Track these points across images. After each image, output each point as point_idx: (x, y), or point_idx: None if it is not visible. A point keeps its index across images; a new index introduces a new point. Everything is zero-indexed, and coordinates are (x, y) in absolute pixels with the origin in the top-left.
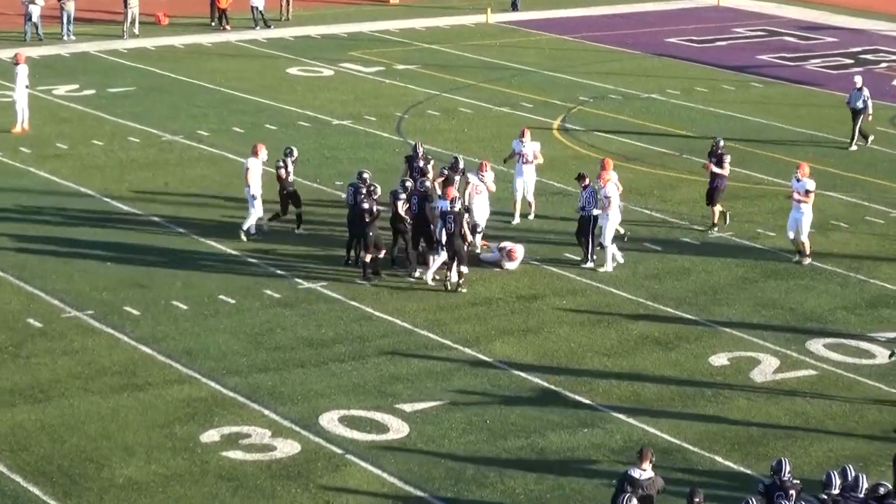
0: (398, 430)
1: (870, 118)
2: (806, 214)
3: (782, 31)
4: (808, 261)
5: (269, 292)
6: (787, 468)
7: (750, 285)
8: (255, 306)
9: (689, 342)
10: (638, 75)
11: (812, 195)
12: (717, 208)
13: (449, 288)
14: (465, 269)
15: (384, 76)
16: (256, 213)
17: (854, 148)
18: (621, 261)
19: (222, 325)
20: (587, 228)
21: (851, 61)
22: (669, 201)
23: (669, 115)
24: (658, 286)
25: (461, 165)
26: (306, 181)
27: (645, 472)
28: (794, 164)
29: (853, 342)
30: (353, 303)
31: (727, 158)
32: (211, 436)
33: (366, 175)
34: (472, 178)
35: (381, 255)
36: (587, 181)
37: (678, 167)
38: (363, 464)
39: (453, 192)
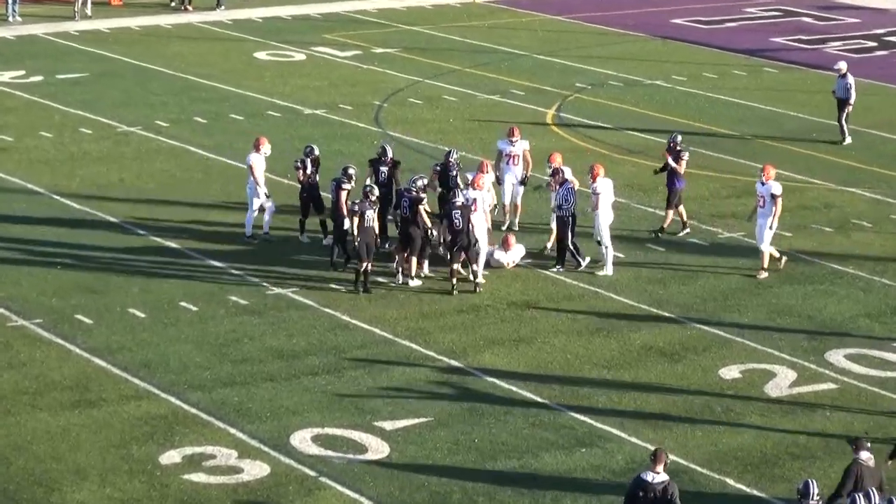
0: (377, 450)
1: (850, 108)
2: (775, 222)
3: (799, 10)
4: (764, 275)
5: (235, 299)
6: (815, 490)
7: (763, 290)
8: (220, 314)
9: (697, 353)
10: (640, 60)
11: (780, 201)
12: (681, 211)
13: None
14: (480, 272)
15: (361, 61)
16: (270, 210)
17: (849, 141)
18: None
19: (184, 334)
20: (565, 232)
21: (875, 44)
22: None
23: (675, 103)
24: (663, 291)
25: (453, 158)
26: (275, 176)
27: (658, 475)
28: (812, 156)
29: (877, 353)
30: (327, 310)
31: (685, 156)
32: (171, 457)
33: (352, 171)
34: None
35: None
36: (562, 175)
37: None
38: (339, 487)
39: (483, 179)
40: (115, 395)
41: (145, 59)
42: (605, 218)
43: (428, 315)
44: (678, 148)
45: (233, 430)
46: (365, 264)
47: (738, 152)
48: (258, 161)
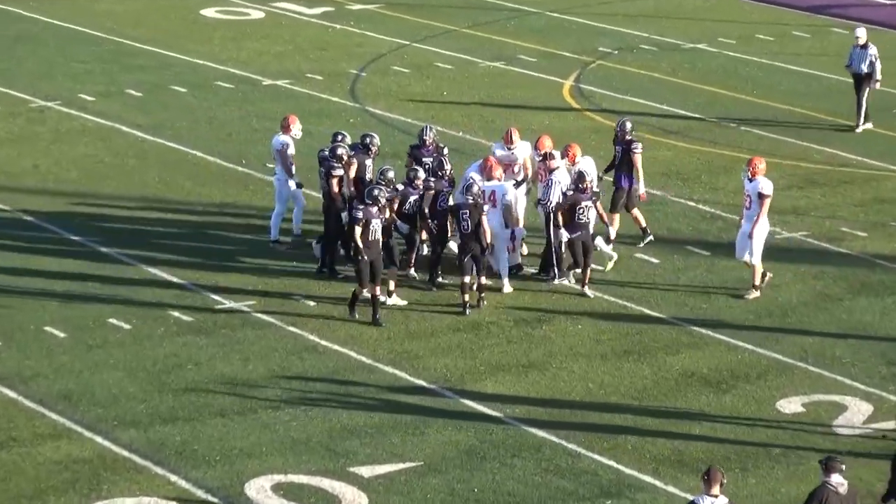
0: (353, 501)
1: (877, 85)
2: (759, 228)
3: None
4: (754, 294)
5: (176, 314)
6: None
7: (832, 304)
8: (158, 333)
9: (750, 381)
10: (679, 18)
11: (767, 201)
12: (636, 215)
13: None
14: (484, 280)
15: (333, 19)
16: (301, 205)
17: (868, 126)
18: (613, 255)
19: (113, 358)
20: (547, 232)
21: None
22: (722, 189)
23: (722, 71)
24: (707, 305)
25: (429, 136)
26: (228, 163)
27: (717, 499)
28: (891, 137)
29: None
30: (292, 328)
31: (637, 148)
32: None
33: (341, 151)
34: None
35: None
36: (555, 161)
37: (734, 143)
38: None
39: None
40: (28, 433)
41: (67, 18)
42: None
43: (416, 335)
44: (628, 137)
45: (174, 478)
46: (367, 288)
47: (800, 133)
48: (290, 145)
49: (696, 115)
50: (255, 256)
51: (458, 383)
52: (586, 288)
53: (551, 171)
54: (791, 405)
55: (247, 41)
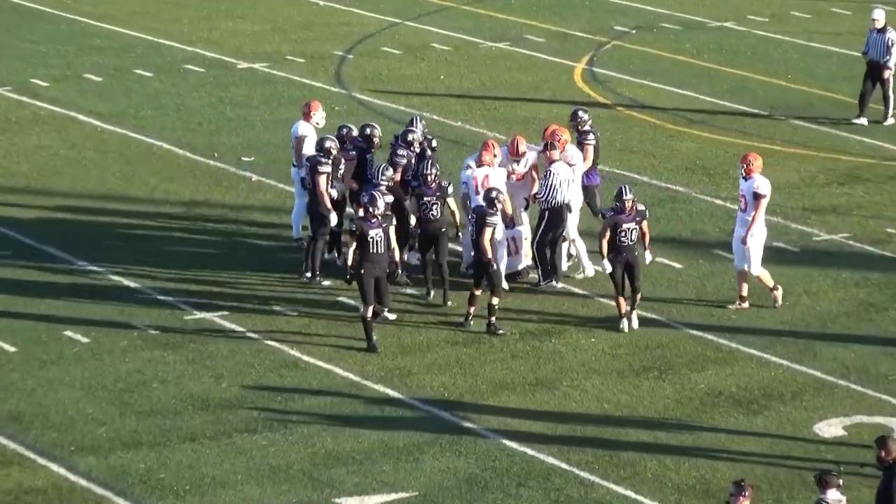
0: None
1: (888, 74)
2: (754, 233)
3: None
4: (745, 304)
5: (141, 326)
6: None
7: (877, 314)
8: (120, 348)
9: (784, 401)
10: None
11: (763, 202)
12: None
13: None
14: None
15: None
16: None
17: (891, 121)
18: (589, 270)
19: (69, 376)
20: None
21: None
22: None
23: (752, 53)
24: (736, 316)
25: (418, 130)
26: (198, 156)
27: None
28: None
29: None
30: (270, 342)
31: (590, 140)
32: None
33: (329, 144)
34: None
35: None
36: (555, 153)
37: (766, 134)
38: None
39: (492, 156)
40: None
41: None
42: (574, 202)
43: (410, 349)
44: (583, 128)
45: None
46: (371, 309)
47: (841, 124)
48: (310, 134)
49: (724, 102)
50: (228, 261)
51: (456, 403)
52: (634, 316)
53: (550, 163)
54: (831, 428)
55: (220, 20)
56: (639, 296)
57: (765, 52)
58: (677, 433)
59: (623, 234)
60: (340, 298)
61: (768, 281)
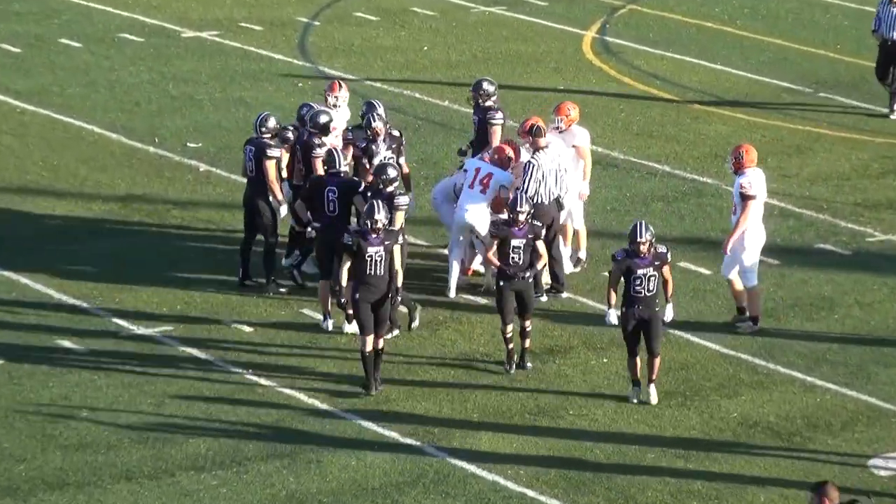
0: None
1: None
2: (748, 238)
3: None
4: (749, 325)
5: (67, 344)
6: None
7: None
8: (43, 370)
9: (833, 433)
10: None
11: (752, 205)
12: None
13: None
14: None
15: None
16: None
17: None
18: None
19: None
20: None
21: None
22: (795, 177)
23: (795, 19)
24: (775, 331)
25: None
26: (136, 141)
27: None
28: None
29: None
30: (221, 363)
31: (497, 119)
32: None
33: (273, 122)
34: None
35: (393, 333)
36: (543, 139)
37: (811, 115)
38: None
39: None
40: None
41: None
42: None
43: (387, 370)
44: (486, 103)
45: None
46: (371, 339)
47: None
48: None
49: (760, 77)
50: (172, 267)
51: (443, 436)
52: (652, 389)
53: (534, 151)
54: (889, 464)
55: None
56: (657, 360)
57: (810, 18)
58: (705, 470)
59: (638, 281)
60: (304, 311)
61: (753, 302)
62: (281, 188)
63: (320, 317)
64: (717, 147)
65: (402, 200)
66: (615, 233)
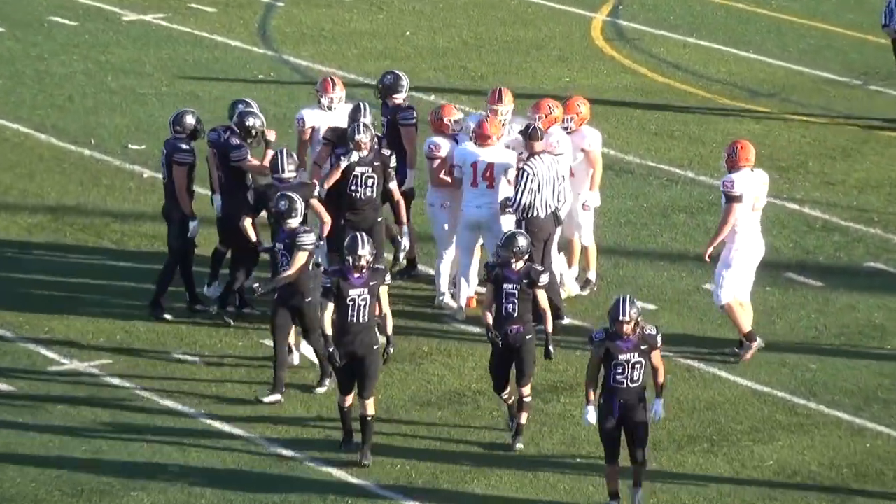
0: None
1: None
2: (736, 251)
3: None
4: (749, 354)
5: None
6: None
7: None
8: None
9: (885, 483)
10: None
11: (735, 208)
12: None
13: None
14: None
15: None
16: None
17: None
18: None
19: None
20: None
21: None
22: (841, 184)
23: (839, 1)
24: (817, 364)
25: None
26: (69, 143)
27: None
28: None
29: None
30: (168, 402)
31: (411, 118)
32: None
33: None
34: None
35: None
36: (538, 143)
37: (859, 110)
38: None
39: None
40: None
41: None
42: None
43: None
44: (396, 102)
45: None
46: (350, 399)
47: None
48: (320, 123)
49: (800, 68)
50: (111, 290)
51: (429, 488)
52: (638, 498)
53: (529, 155)
54: None
55: None
56: (644, 468)
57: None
58: None
59: (619, 369)
60: (265, 341)
61: (743, 324)
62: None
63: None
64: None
65: (306, 240)
66: (630, 250)
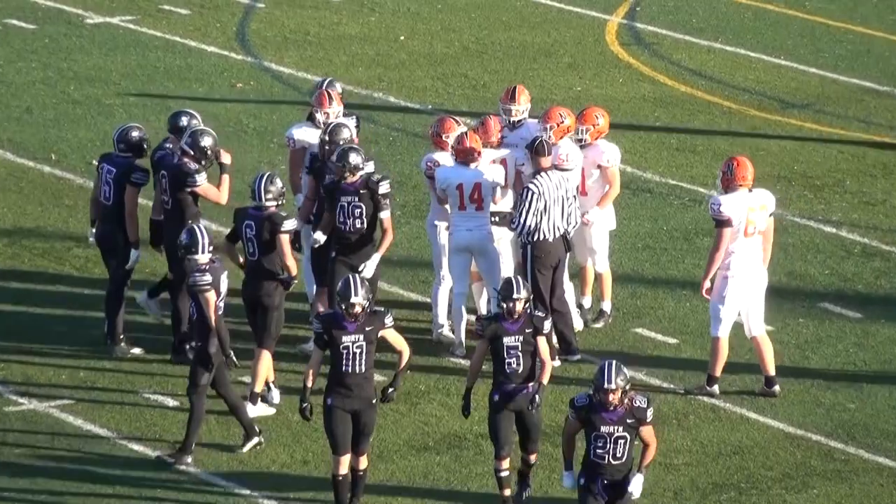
0: None
1: None
2: (731, 279)
3: None
4: (699, 394)
5: None
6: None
7: None
8: None
9: None
10: None
11: (726, 234)
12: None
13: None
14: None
15: None
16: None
17: None
18: (579, 326)
19: None
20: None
21: None
22: (882, 205)
23: (880, 2)
24: (855, 404)
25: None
26: (27, 159)
27: None
28: None
29: None
30: (138, 447)
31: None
32: None
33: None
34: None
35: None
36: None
37: None
38: None
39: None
40: None
41: None
42: (603, 227)
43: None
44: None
45: None
46: (347, 460)
47: None
48: (314, 141)
49: (837, 76)
50: (74, 321)
51: None
52: None
53: (536, 172)
54: None
55: None
56: None
57: None
58: None
59: (601, 443)
60: (244, 378)
61: (717, 364)
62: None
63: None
64: (781, 166)
65: (199, 280)
66: (648, 277)
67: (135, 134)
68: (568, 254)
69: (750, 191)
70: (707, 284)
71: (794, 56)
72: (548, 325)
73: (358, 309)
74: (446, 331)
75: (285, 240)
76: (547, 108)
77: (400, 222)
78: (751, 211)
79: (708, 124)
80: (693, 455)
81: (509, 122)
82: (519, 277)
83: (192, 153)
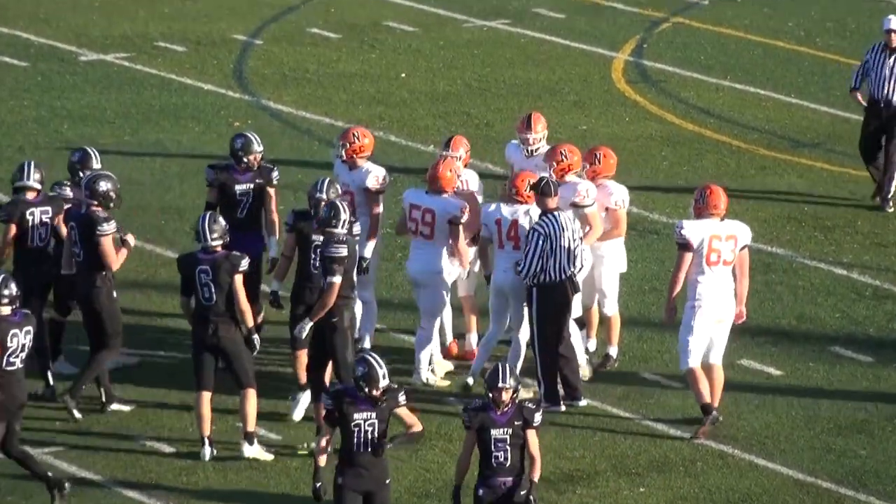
0: None
1: None
2: (696, 308)
3: None
4: (704, 430)
5: None
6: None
7: None
8: None
9: None
10: None
11: (686, 258)
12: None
13: None
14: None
15: None
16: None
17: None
18: (587, 374)
19: None
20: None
21: None
22: (894, 246)
23: None
24: (867, 450)
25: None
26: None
27: None
28: None
29: None
30: (132, 493)
31: (274, 177)
32: None
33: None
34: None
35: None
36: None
37: None
38: None
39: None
40: None
41: None
42: (614, 266)
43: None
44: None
45: None
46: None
47: None
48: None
49: (849, 115)
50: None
51: None
52: None
53: (542, 213)
54: None
55: None
56: None
57: None
58: None
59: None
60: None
61: (702, 394)
62: None
63: (269, 433)
64: (791, 207)
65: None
66: (655, 321)
67: (104, 184)
68: (575, 296)
69: (721, 220)
70: (668, 310)
71: (804, 94)
72: (538, 417)
73: (381, 387)
74: (424, 374)
75: (239, 281)
76: (551, 147)
77: (399, 265)
78: (714, 238)
79: (716, 164)
80: (700, 502)
81: (527, 150)
82: (507, 365)
83: (97, 201)
